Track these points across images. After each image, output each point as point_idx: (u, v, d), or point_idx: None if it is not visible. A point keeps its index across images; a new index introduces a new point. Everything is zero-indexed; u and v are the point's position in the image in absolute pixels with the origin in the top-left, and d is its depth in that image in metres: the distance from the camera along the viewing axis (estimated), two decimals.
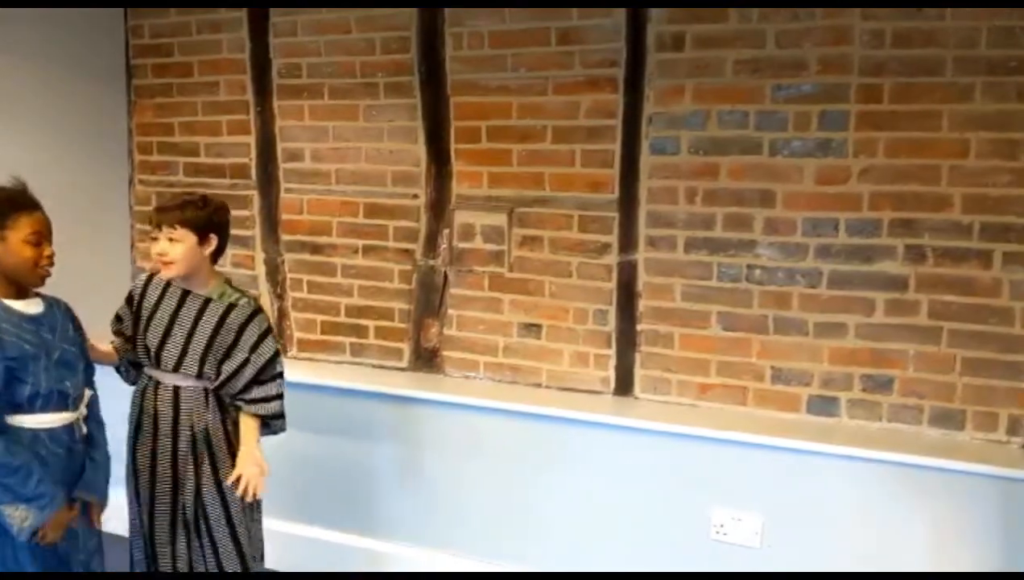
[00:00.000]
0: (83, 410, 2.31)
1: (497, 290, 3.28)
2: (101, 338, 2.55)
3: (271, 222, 3.62)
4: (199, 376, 2.53)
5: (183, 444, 2.53)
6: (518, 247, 3.24)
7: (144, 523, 2.58)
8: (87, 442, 2.36)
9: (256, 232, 3.64)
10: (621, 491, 2.98)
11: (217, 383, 2.54)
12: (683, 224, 3.01)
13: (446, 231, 3.34)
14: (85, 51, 3.63)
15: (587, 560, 3.05)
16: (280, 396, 2.60)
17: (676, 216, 3.01)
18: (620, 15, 3.00)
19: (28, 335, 2.16)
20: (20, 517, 2.10)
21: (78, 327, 2.36)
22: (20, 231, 2.14)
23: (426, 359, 3.43)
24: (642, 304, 3.09)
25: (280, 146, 3.57)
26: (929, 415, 2.78)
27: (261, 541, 2.71)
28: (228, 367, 2.53)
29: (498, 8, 3.13)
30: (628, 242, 3.09)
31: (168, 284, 2.58)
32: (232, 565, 2.59)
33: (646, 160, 3.03)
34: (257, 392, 2.55)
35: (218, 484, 2.56)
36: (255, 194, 3.63)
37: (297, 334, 3.61)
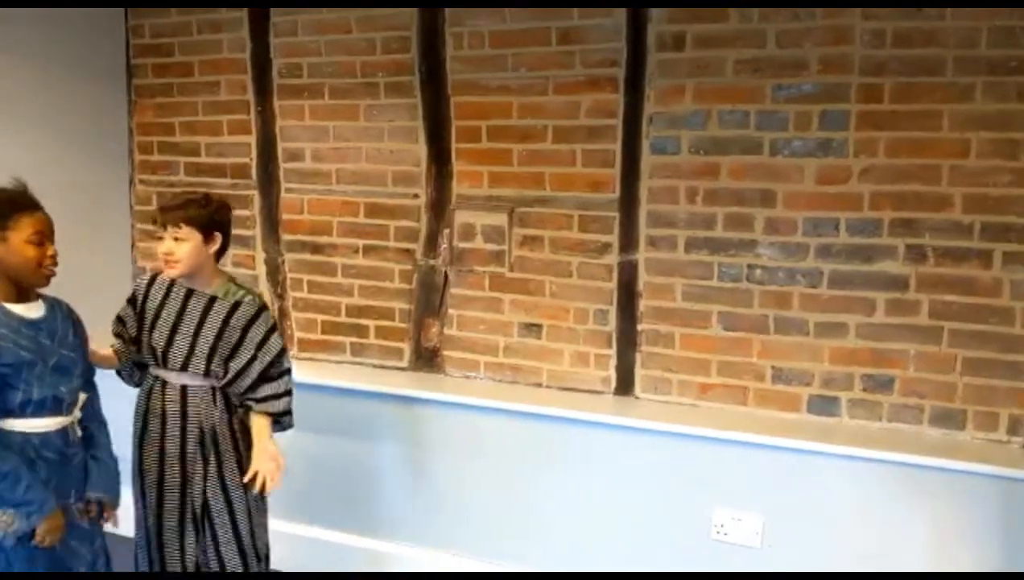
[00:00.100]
0: (77, 413, 2.29)
1: (498, 290, 3.28)
2: (101, 340, 2.55)
3: (272, 222, 3.62)
4: (206, 374, 2.54)
5: (191, 443, 2.54)
6: (519, 247, 3.24)
7: (151, 523, 2.58)
8: (88, 443, 2.35)
9: (257, 232, 3.65)
10: (622, 491, 2.98)
11: (225, 381, 2.54)
12: (684, 224, 3.01)
13: (446, 231, 3.34)
14: (85, 51, 3.63)
15: (587, 560, 3.05)
16: (289, 392, 2.61)
17: (677, 216, 3.01)
18: (621, 15, 2.99)
19: (25, 341, 2.15)
20: (5, 522, 2.09)
21: (79, 330, 2.35)
22: (22, 231, 2.13)
23: (427, 359, 3.43)
24: (643, 304, 3.09)
25: (281, 146, 3.57)
26: (930, 415, 2.78)
27: (266, 541, 2.72)
28: (235, 364, 2.54)
29: (498, 8, 3.13)
30: (629, 242, 3.09)
31: (172, 284, 2.58)
32: (234, 563, 2.59)
33: (647, 160, 3.03)
34: (266, 390, 2.56)
35: (222, 482, 2.57)
36: (256, 194, 3.63)
37: (298, 334, 3.61)
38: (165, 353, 2.54)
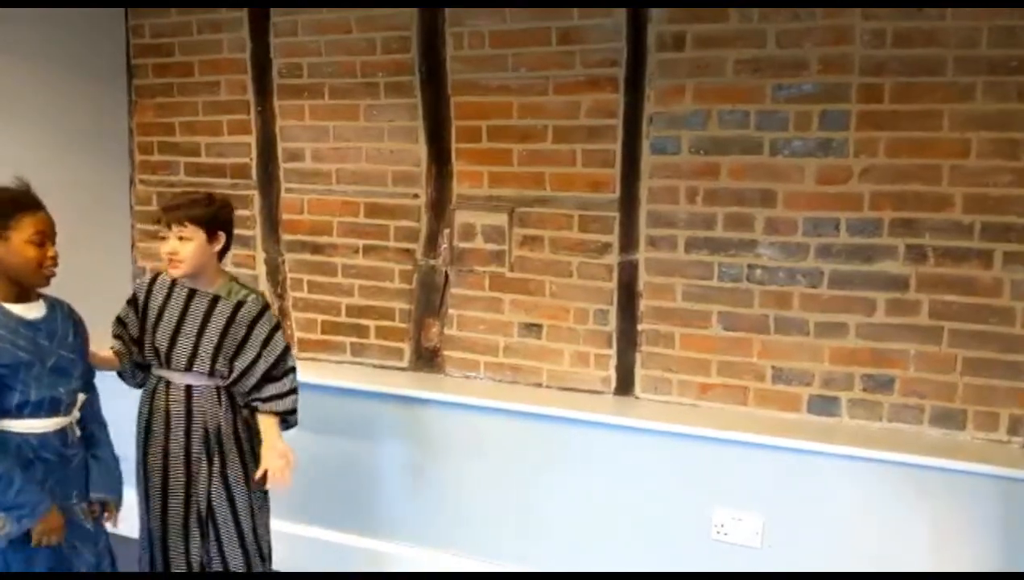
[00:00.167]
0: (76, 414, 2.29)
1: (498, 290, 3.28)
2: (101, 341, 2.55)
3: (272, 222, 3.62)
4: (211, 374, 2.54)
5: (196, 443, 2.54)
6: (519, 247, 3.24)
7: (156, 523, 2.58)
8: (88, 443, 2.35)
9: (257, 232, 3.65)
10: (622, 491, 2.98)
11: (230, 380, 2.55)
12: (684, 224, 3.01)
13: (447, 231, 3.34)
14: (86, 51, 3.63)
15: (587, 560, 3.05)
16: (295, 391, 2.62)
17: (677, 216, 3.01)
18: (621, 15, 2.99)
19: (23, 341, 2.14)
20: None
21: (79, 331, 2.34)
22: (23, 231, 2.12)
23: (427, 359, 3.43)
24: (643, 304, 3.09)
25: (281, 146, 3.57)
26: (930, 415, 2.78)
27: (269, 541, 2.72)
28: (240, 363, 2.54)
29: (499, 8, 3.13)
30: (629, 242, 3.08)
31: (174, 284, 2.58)
32: (237, 563, 2.60)
33: (647, 160, 3.03)
34: (270, 390, 2.57)
35: (226, 482, 2.57)
36: (256, 194, 3.63)
37: (298, 334, 3.61)
38: (169, 353, 2.54)
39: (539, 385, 3.25)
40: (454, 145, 3.29)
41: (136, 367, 2.64)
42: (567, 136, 3.11)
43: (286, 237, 3.60)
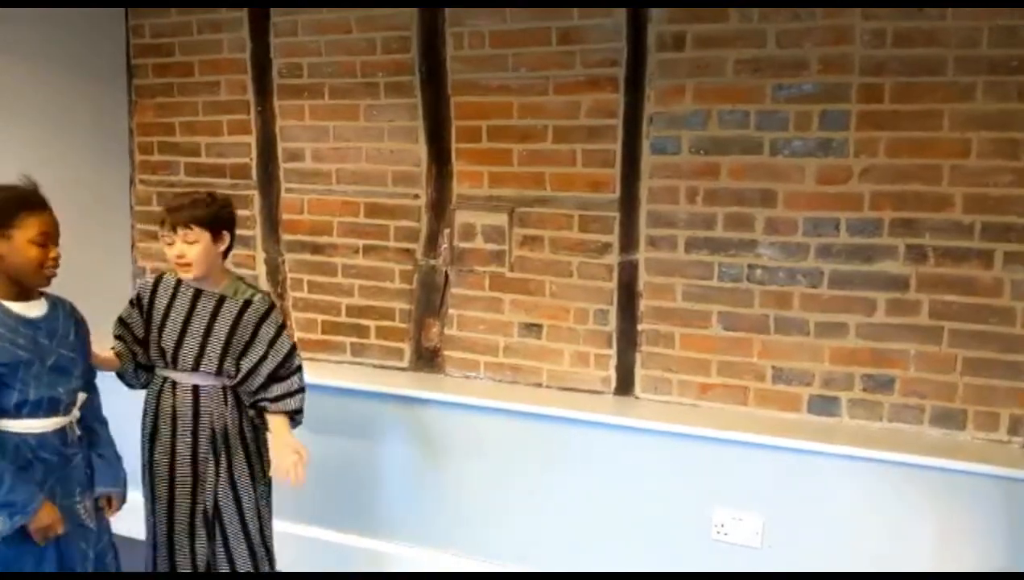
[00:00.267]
0: (76, 413, 2.28)
1: (498, 290, 3.28)
2: (101, 341, 2.54)
3: (272, 222, 3.62)
4: (218, 373, 2.54)
5: (203, 443, 2.54)
6: (519, 247, 3.24)
7: (162, 524, 2.58)
8: (91, 442, 2.34)
9: (257, 232, 3.65)
10: (621, 491, 2.98)
11: (237, 379, 2.55)
12: (684, 224, 3.01)
13: (447, 231, 3.34)
14: (86, 51, 3.63)
15: (587, 560, 3.05)
16: (302, 390, 2.62)
17: (677, 216, 3.01)
18: (621, 15, 2.99)
19: (23, 340, 2.13)
20: None
21: (81, 330, 2.33)
22: (27, 231, 2.12)
23: (427, 359, 3.43)
24: (643, 304, 3.09)
25: (281, 146, 3.57)
26: (930, 415, 2.78)
27: (271, 540, 2.72)
28: (247, 362, 2.54)
29: (499, 8, 3.13)
30: (629, 242, 3.08)
31: (179, 284, 2.58)
32: (244, 563, 2.60)
33: (647, 160, 3.03)
34: (277, 389, 2.57)
35: (232, 482, 2.57)
36: (256, 194, 3.63)
37: (298, 334, 3.61)
38: (176, 354, 2.54)
39: (539, 385, 3.25)
40: (454, 145, 3.29)
41: (139, 368, 2.64)
42: (567, 136, 3.11)
43: (286, 237, 3.60)
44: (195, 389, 2.55)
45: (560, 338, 3.21)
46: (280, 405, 2.57)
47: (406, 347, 3.46)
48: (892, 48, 2.71)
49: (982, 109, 2.64)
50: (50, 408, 2.19)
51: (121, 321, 2.63)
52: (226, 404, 2.57)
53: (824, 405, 2.89)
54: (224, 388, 2.57)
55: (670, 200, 3.01)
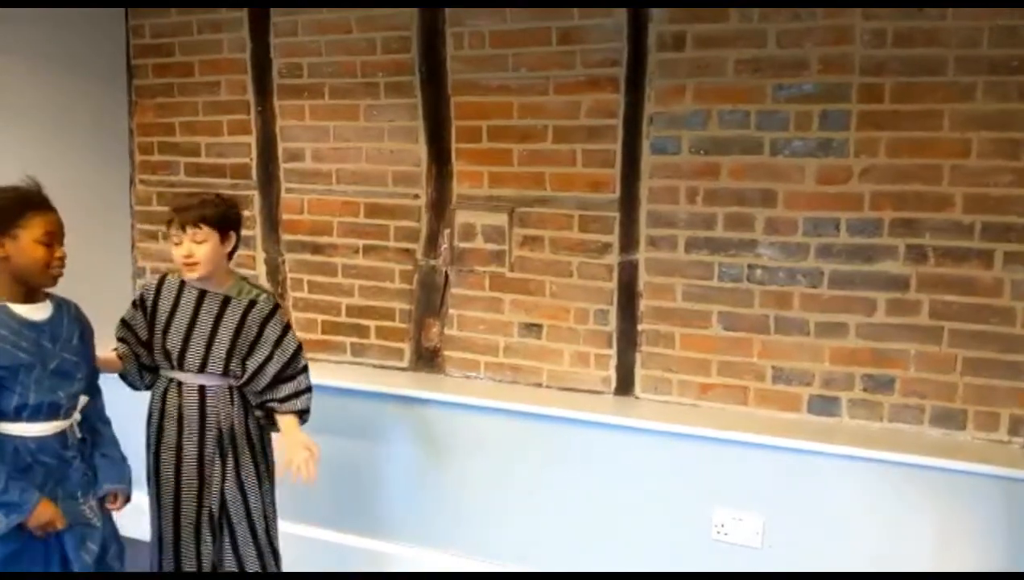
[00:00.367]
0: (76, 416, 2.27)
1: (498, 290, 3.28)
2: (101, 341, 2.54)
3: (272, 222, 3.62)
4: (224, 374, 2.54)
5: (210, 444, 2.54)
6: (519, 247, 3.24)
7: (168, 525, 2.58)
8: (95, 443, 2.34)
9: (257, 232, 3.64)
10: (621, 491, 2.98)
11: (244, 379, 2.55)
12: (684, 224, 3.00)
13: (447, 231, 3.34)
14: (86, 51, 3.63)
15: (587, 560, 3.05)
16: (310, 389, 2.63)
17: (677, 216, 3.01)
18: (621, 15, 2.99)
19: (25, 343, 2.13)
20: None
21: (85, 333, 2.31)
22: (33, 231, 2.12)
23: (427, 359, 3.43)
24: (643, 304, 3.09)
25: (281, 146, 3.57)
26: (930, 415, 2.78)
27: (277, 540, 2.72)
28: (252, 363, 2.55)
29: (499, 8, 3.13)
30: (629, 242, 3.08)
31: (183, 286, 2.58)
32: (252, 563, 2.60)
33: (647, 160, 3.03)
34: (284, 390, 2.57)
35: (239, 482, 2.57)
36: (256, 194, 3.63)
37: (298, 334, 3.59)
38: (182, 355, 2.54)
39: (539, 385, 3.25)
40: (454, 145, 3.29)
41: (143, 369, 2.64)
42: (567, 136, 3.11)
43: (286, 237, 3.60)
44: (201, 390, 2.55)
45: (560, 338, 3.21)
46: (288, 405, 2.57)
47: (406, 347, 3.46)
48: (892, 48, 2.71)
49: (982, 109, 2.64)
50: (50, 412, 2.18)
51: (124, 323, 2.63)
52: (232, 404, 2.57)
53: (824, 405, 2.89)
54: (230, 388, 2.57)
55: (670, 200, 3.01)
